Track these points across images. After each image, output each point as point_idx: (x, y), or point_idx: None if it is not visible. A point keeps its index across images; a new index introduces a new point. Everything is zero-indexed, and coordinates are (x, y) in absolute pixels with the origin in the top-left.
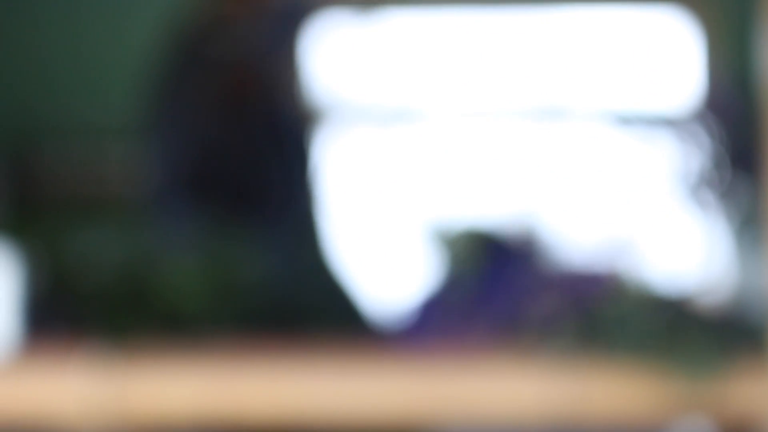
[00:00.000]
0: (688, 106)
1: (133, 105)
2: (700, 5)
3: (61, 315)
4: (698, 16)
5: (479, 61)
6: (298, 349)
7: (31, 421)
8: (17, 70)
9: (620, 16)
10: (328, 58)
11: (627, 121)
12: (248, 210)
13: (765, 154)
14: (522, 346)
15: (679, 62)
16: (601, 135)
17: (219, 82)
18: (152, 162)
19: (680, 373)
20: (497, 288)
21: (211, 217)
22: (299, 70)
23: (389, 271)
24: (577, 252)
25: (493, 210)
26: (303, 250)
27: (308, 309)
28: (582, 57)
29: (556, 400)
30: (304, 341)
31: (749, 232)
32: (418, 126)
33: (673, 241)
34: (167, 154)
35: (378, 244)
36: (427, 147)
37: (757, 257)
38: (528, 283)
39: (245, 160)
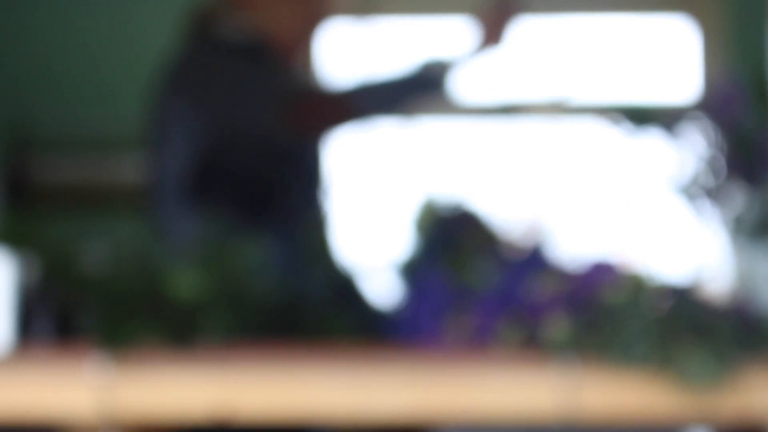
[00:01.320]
0: (688, 108)
1: (137, 107)
2: (701, 11)
3: (61, 317)
4: (698, 22)
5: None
6: (304, 352)
7: (29, 423)
8: (20, 69)
9: (622, 20)
10: (335, 58)
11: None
12: (254, 213)
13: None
14: (526, 347)
15: (679, 66)
16: (603, 135)
17: (228, 82)
18: (157, 164)
19: (684, 374)
20: (501, 288)
21: (215, 220)
22: (309, 68)
23: (393, 271)
24: (579, 251)
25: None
26: (309, 253)
27: (314, 312)
28: (583, 60)
29: (559, 401)
30: (309, 345)
31: (750, 232)
32: (424, 125)
33: (676, 241)
34: (172, 156)
35: (384, 246)
36: (431, 145)
37: (760, 257)
38: (532, 283)
39: (251, 163)
